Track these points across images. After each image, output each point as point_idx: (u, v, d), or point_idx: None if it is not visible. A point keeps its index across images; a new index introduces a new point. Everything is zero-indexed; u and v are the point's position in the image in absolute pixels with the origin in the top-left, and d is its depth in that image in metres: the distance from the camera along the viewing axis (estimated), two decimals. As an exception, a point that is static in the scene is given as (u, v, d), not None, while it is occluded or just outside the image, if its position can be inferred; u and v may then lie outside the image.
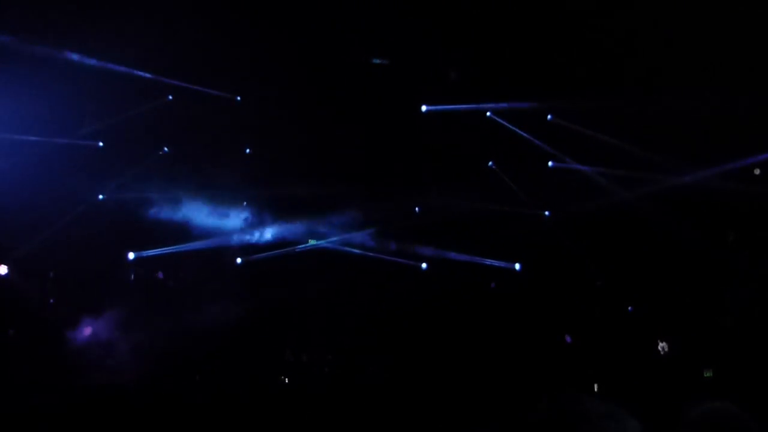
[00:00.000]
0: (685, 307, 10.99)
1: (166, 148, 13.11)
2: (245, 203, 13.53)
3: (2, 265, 11.33)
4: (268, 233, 13.23)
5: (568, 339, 11.53)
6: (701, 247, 10.69)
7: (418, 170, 13.62)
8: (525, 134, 12.50)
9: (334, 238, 13.45)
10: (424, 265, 13.41)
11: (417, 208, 13.98)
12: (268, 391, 10.97)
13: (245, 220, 13.31)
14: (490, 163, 13.44)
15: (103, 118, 12.36)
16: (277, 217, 13.29)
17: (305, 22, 11.54)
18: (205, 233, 12.80)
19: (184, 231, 12.57)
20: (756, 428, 3.37)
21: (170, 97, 12.74)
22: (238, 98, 12.92)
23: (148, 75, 12.08)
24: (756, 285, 10.23)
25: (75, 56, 11.15)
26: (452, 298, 12.67)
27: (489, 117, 12.86)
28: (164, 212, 12.55)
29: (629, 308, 11.91)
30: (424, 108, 12.79)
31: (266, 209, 13.30)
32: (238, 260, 13.13)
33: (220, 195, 13.01)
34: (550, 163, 12.77)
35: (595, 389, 10.17)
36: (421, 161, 13.45)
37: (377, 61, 12.12)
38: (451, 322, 12.18)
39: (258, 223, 13.27)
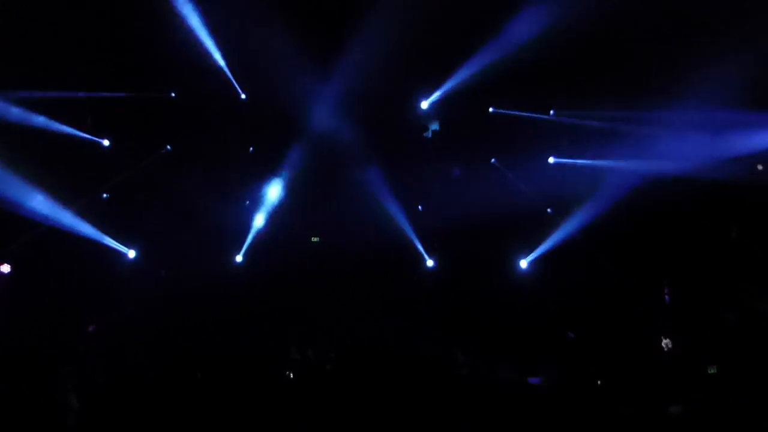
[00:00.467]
0: (689, 304, 10.97)
1: (168, 146, 13.15)
2: (248, 202, 13.57)
3: (5, 264, 11.41)
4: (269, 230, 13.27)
5: (570, 335, 11.51)
6: (704, 243, 10.68)
7: (420, 168, 13.63)
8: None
9: None
10: (430, 263, 13.38)
11: (420, 207, 13.98)
12: (273, 387, 10.97)
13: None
14: (493, 159, 13.43)
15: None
16: (278, 214, 13.33)
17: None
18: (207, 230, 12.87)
19: (185, 227, 12.64)
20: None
21: (173, 94, 12.79)
22: (243, 96, 12.97)
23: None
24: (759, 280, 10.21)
25: None
26: (457, 295, 12.64)
27: (492, 113, 12.90)
28: (166, 209, 12.62)
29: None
30: (425, 105, 12.83)
31: (268, 206, 13.34)
32: (239, 258, 13.14)
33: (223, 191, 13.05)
34: (551, 160, 12.78)
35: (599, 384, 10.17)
36: (424, 159, 13.47)
37: None
38: (456, 319, 12.16)
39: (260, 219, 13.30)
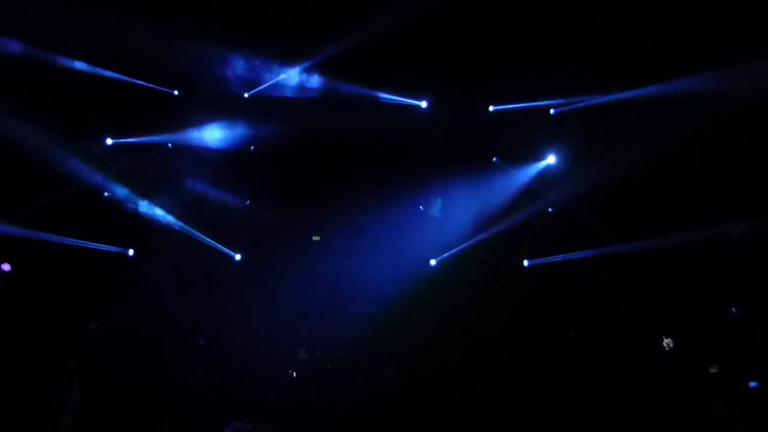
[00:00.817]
0: (690, 303, 10.94)
1: (170, 144, 13.15)
2: (248, 202, 13.56)
3: (6, 263, 11.44)
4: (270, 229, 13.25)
5: (571, 334, 11.49)
6: (706, 242, 10.66)
7: (422, 168, 13.59)
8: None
9: None
10: (432, 262, 13.35)
11: (421, 207, 13.95)
12: (276, 386, 10.98)
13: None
14: (494, 158, 13.41)
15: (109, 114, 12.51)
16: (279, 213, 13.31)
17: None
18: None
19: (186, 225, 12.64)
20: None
21: (176, 92, 12.78)
22: (246, 95, 12.96)
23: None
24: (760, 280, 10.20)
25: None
26: (461, 294, 12.63)
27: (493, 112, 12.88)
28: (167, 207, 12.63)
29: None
30: (424, 104, 12.82)
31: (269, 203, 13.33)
32: (237, 257, 13.13)
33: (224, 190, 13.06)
34: (551, 159, 12.76)
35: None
36: (425, 158, 13.43)
37: None
38: (460, 318, 12.14)
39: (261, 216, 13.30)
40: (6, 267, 11.44)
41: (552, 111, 12.39)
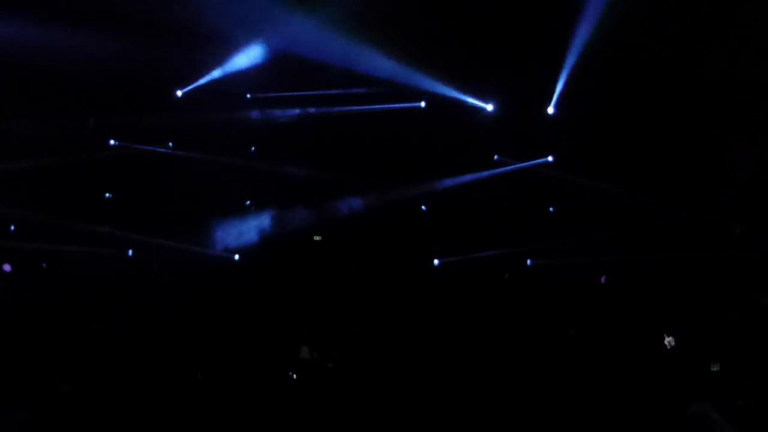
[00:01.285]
0: (692, 301, 10.93)
1: (170, 144, 13.21)
2: (248, 202, 13.59)
3: (6, 264, 11.50)
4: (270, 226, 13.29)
5: (571, 333, 11.47)
6: (707, 240, 10.67)
7: (422, 166, 13.63)
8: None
9: None
10: (435, 262, 13.36)
11: (423, 207, 13.97)
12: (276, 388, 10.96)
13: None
14: (496, 156, 13.42)
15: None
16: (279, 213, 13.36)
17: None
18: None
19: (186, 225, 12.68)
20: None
21: (178, 94, 12.84)
22: (249, 95, 13.02)
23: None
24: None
25: None
26: (463, 294, 12.64)
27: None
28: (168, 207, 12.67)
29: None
30: (423, 104, 12.87)
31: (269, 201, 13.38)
32: (236, 257, 13.15)
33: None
34: (550, 158, 12.80)
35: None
36: (425, 157, 13.47)
37: None
38: (463, 318, 12.15)
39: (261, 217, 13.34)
40: (7, 267, 11.49)
41: (551, 111, 12.40)
